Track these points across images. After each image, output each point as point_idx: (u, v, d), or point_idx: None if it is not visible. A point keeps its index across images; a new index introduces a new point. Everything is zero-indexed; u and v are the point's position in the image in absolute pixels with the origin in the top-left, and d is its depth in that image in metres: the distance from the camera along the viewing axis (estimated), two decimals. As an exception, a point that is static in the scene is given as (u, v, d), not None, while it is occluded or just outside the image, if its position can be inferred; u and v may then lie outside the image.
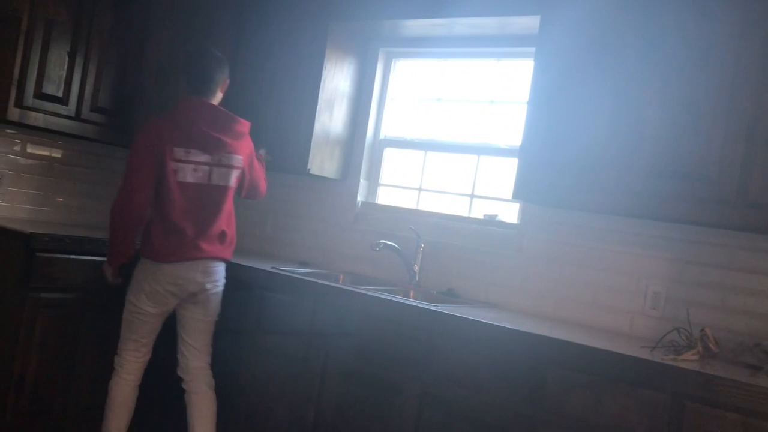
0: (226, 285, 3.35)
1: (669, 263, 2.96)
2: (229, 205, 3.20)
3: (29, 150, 3.92)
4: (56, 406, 3.42)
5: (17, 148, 3.86)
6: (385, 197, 3.99)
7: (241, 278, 3.38)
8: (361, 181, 3.97)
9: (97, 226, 4.17)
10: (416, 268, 3.54)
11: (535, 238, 3.29)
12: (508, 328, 2.65)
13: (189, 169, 3.00)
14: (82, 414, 3.38)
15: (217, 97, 3.20)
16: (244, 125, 3.19)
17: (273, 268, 3.45)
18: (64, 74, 3.62)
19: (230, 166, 3.12)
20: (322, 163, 3.85)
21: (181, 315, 3.18)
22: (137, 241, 3.11)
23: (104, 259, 3.27)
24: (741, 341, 2.70)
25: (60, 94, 3.62)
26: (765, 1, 2.52)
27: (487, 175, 3.65)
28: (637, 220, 2.98)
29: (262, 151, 3.64)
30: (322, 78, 3.77)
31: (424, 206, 3.82)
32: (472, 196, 3.68)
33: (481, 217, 3.57)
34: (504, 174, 3.54)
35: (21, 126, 3.69)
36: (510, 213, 3.50)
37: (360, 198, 3.97)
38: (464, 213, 3.67)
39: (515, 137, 3.41)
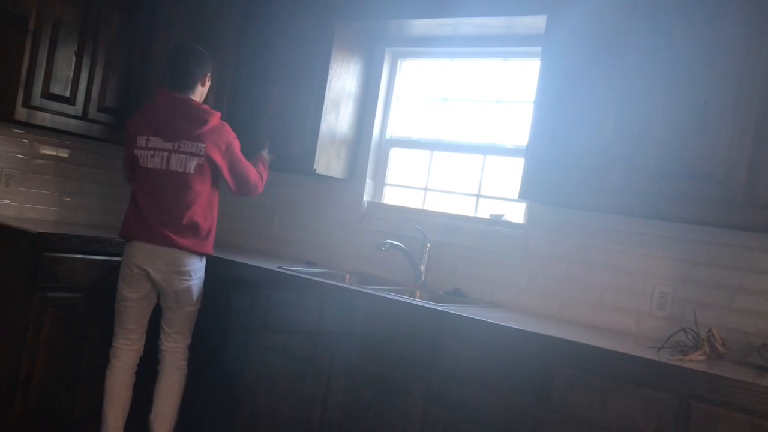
0: (231, 284, 3.37)
1: (676, 263, 2.95)
2: (199, 195, 3.18)
3: (36, 150, 3.93)
4: (63, 405, 3.43)
5: (25, 147, 3.88)
6: (391, 197, 3.99)
7: (247, 277, 3.39)
8: (368, 180, 3.97)
9: (104, 225, 4.19)
10: (422, 267, 3.54)
11: (542, 238, 3.29)
12: (514, 328, 2.65)
13: (148, 155, 3.17)
14: (89, 413, 3.40)
15: (197, 91, 3.27)
16: (211, 114, 3.20)
17: (279, 267, 3.45)
18: (71, 74, 3.64)
19: (189, 153, 3.14)
20: (329, 162, 3.85)
21: (160, 301, 3.28)
22: None
23: (109, 258, 3.46)
24: (748, 342, 2.69)
25: (67, 94, 3.64)
26: (773, 1, 2.51)
27: (493, 174, 3.64)
28: (644, 220, 2.97)
29: (264, 152, 3.63)
30: (329, 78, 3.77)
31: (430, 206, 3.82)
32: (479, 195, 3.67)
33: (488, 217, 3.57)
34: (510, 174, 3.54)
35: (28, 126, 3.71)
36: (516, 213, 3.50)
37: (366, 198, 3.97)
38: (470, 213, 3.67)
39: (521, 137, 3.41)
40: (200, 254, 3.23)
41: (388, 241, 3.53)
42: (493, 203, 3.62)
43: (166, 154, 3.16)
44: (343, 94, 3.88)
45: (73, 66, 3.63)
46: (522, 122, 3.48)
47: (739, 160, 2.51)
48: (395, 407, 2.85)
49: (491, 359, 2.64)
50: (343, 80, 3.87)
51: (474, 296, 3.40)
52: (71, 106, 3.67)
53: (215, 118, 3.21)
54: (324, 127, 3.78)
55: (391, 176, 4.00)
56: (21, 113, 3.49)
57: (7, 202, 3.83)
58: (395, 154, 4.01)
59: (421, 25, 3.67)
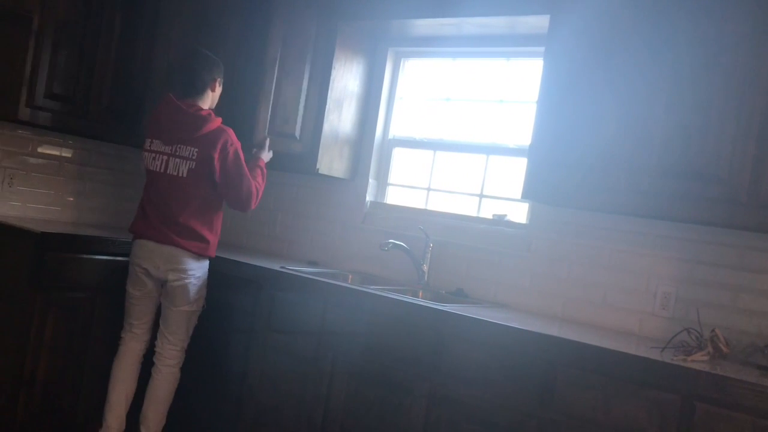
0: (234, 284, 3.37)
1: (679, 263, 2.95)
2: (193, 199, 3.18)
3: (40, 149, 3.94)
4: (66, 405, 3.44)
5: (28, 147, 3.89)
6: (394, 197, 3.99)
7: (250, 277, 3.39)
8: (370, 180, 3.97)
9: (107, 225, 4.20)
10: (425, 267, 3.54)
11: (545, 238, 3.29)
12: (517, 328, 2.65)
13: (151, 157, 3.24)
14: (93, 413, 3.40)
15: (205, 97, 3.27)
16: (208, 120, 3.18)
17: (282, 267, 3.45)
18: (74, 74, 3.64)
19: (183, 157, 3.16)
20: (331, 162, 3.85)
21: (161, 299, 3.29)
22: None
23: (113, 258, 3.48)
24: (751, 342, 2.69)
25: (70, 94, 3.64)
26: (776, 1, 2.51)
27: (496, 174, 3.64)
28: (647, 220, 2.97)
29: (263, 154, 3.53)
30: (331, 78, 3.77)
31: (433, 206, 3.82)
32: (481, 195, 3.67)
33: (490, 216, 3.57)
34: (513, 174, 3.53)
35: (31, 125, 3.72)
36: (519, 213, 3.50)
37: (369, 198, 3.97)
38: (473, 213, 3.67)
39: (524, 137, 3.40)
40: (197, 255, 3.23)
41: (390, 241, 3.53)
42: (496, 203, 3.62)
43: (165, 157, 3.19)
44: (345, 94, 3.88)
45: (75, 66, 3.64)
46: (525, 122, 3.48)
47: (743, 159, 2.51)
48: (398, 407, 2.85)
49: (494, 359, 2.64)
50: (346, 80, 3.87)
51: (477, 296, 3.40)
52: (74, 106, 3.67)
53: (213, 124, 3.19)
54: (327, 127, 3.78)
55: (393, 176, 4.00)
56: (24, 113, 3.50)
57: (11, 201, 3.84)
58: (398, 154, 4.01)
59: (424, 25, 3.66)
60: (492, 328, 2.68)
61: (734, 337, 2.69)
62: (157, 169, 3.20)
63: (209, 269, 3.34)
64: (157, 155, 3.21)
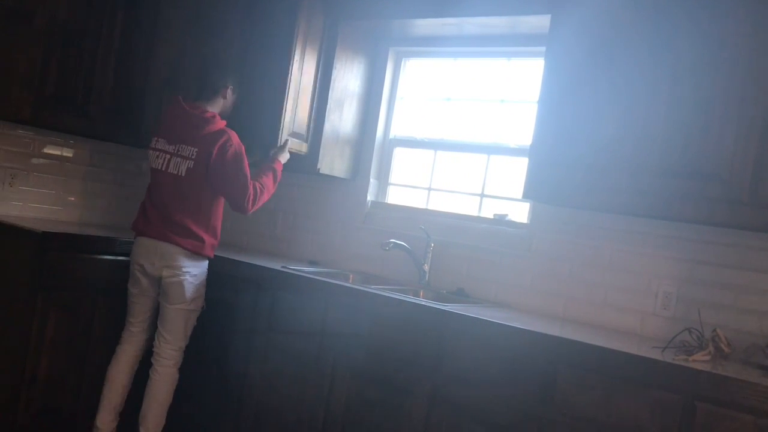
0: (234, 283, 3.37)
1: (680, 263, 2.94)
2: (191, 199, 3.20)
3: (41, 149, 3.94)
4: (67, 404, 3.44)
5: (29, 147, 3.89)
6: (395, 197, 3.99)
7: (250, 277, 3.39)
8: (371, 180, 3.97)
9: (108, 225, 4.20)
10: (426, 267, 3.54)
11: (546, 238, 3.28)
12: (518, 328, 2.65)
13: (154, 155, 3.27)
14: (93, 412, 3.39)
15: (215, 102, 3.32)
16: (211, 121, 3.21)
17: (283, 267, 3.45)
18: (76, 74, 3.64)
19: (183, 157, 3.19)
20: (332, 162, 3.85)
21: (159, 298, 3.31)
22: None
23: (114, 257, 3.50)
24: (753, 342, 2.69)
25: (71, 93, 3.64)
26: (778, 0, 2.50)
27: (497, 174, 3.64)
28: (648, 219, 2.97)
29: (281, 156, 3.52)
30: (332, 77, 3.77)
31: (434, 206, 3.82)
32: (482, 195, 3.67)
33: (491, 216, 3.57)
34: (514, 173, 3.53)
35: (33, 125, 3.72)
36: (520, 212, 3.50)
37: (370, 197, 3.97)
38: (474, 212, 3.67)
39: (525, 137, 3.40)
40: (193, 253, 3.23)
41: (391, 240, 3.53)
42: (497, 203, 3.62)
43: (168, 156, 3.22)
44: (346, 94, 3.88)
45: (77, 66, 3.64)
46: (526, 122, 3.48)
47: (744, 159, 2.51)
48: (399, 407, 2.85)
49: (495, 359, 2.64)
50: (347, 80, 3.87)
51: (478, 296, 3.40)
52: (75, 106, 3.67)
53: (215, 125, 3.22)
54: (328, 126, 3.78)
55: (394, 176, 4.01)
56: (25, 112, 3.50)
57: (12, 201, 3.84)
58: (399, 154, 4.01)
59: (425, 25, 3.67)
60: (493, 328, 2.68)
61: (735, 337, 2.69)
62: (160, 168, 3.23)
63: (209, 270, 3.34)
64: (161, 154, 3.24)
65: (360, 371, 2.98)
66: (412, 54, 4.00)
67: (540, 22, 3.20)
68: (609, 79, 2.81)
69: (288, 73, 3.61)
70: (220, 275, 3.40)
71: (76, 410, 3.46)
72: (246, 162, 3.24)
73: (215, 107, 3.31)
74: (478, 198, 3.68)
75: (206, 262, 3.32)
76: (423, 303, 2.94)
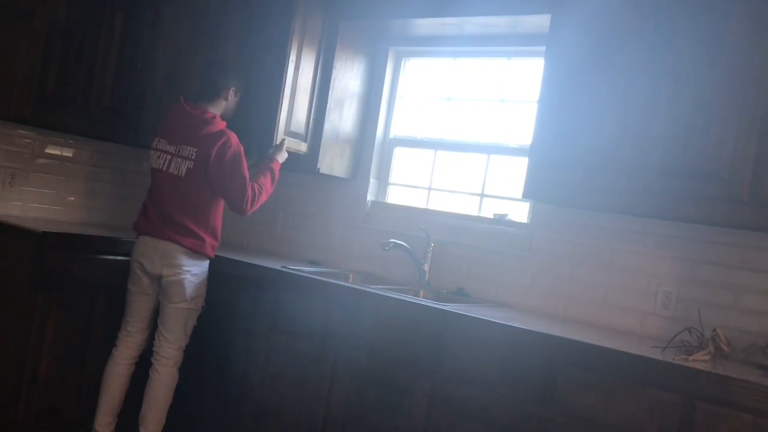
0: (235, 283, 3.37)
1: (680, 263, 2.94)
2: (190, 199, 3.21)
3: (41, 149, 3.94)
4: (67, 404, 3.44)
5: (29, 147, 3.88)
6: (395, 197, 3.99)
7: (250, 277, 3.39)
8: (371, 180, 3.97)
9: (108, 225, 4.20)
10: (426, 267, 3.54)
11: (546, 238, 3.28)
12: (518, 327, 2.65)
13: (155, 156, 3.28)
14: (92, 412, 3.39)
15: (217, 103, 3.33)
16: (211, 122, 3.22)
17: (283, 267, 3.45)
18: (76, 74, 3.64)
19: (183, 157, 3.20)
20: (332, 162, 3.85)
21: (159, 298, 3.31)
22: None
23: (114, 257, 3.48)
24: (753, 341, 2.69)
25: (71, 93, 3.64)
26: (778, 0, 2.50)
27: (497, 174, 3.64)
28: (648, 219, 2.96)
29: (278, 155, 3.51)
30: (332, 77, 3.77)
31: (434, 206, 3.82)
32: (482, 195, 3.67)
33: (491, 216, 3.57)
34: (514, 173, 3.53)
35: (33, 125, 3.72)
36: (520, 212, 3.49)
37: (370, 197, 3.97)
38: (474, 212, 3.66)
39: (525, 136, 3.40)
40: (192, 252, 3.23)
41: (391, 240, 3.53)
42: (497, 203, 3.62)
43: (169, 156, 3.23)
44: (346, 94, 3.88)
45: (77, 66, 3.64)
46: (526, 121, 3.48)
47: (744, 159, 2.51)
48: (399, 407, 2.85)
49: (495, 359, 2.64)
50: (347, 80, 3.87)
51: (478, 296, 3.40)
52: (75, 106, 3.67)
53: (215, 126, 3.22)
54: (327, 126, 3.78)
55: (394, 176, 4.00)
56: (25, 112, 3.50)
57: (12, 201, 3.84)
58: (399, 154, 4.01)
59: (425, 25, 3.66)
60: (493, 328, 2.68)
61: (735, 337, 2.69)
62: (160, 168, 3.24)
63: (210, 270, 3.34)
64: (162, 154, 3.25)
65: (360, 371, 2.98)
66: (412, 54, 4.00)
67: (540, 21, 3.20)
68: (609, 79, 2.81)
69: (284, 73, 3.60)
70: (220, 275, 3.40)
71: (76, 410, 3.46)
72: (245, 163, 3.24)
73: (217, 108, 3.32)
74: (478, 198, 3.68)
75: (207, 262, 3.32)
76: (423, 303, 2.94)
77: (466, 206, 3.70)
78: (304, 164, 3.80)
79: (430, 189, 3.87)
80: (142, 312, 3.33)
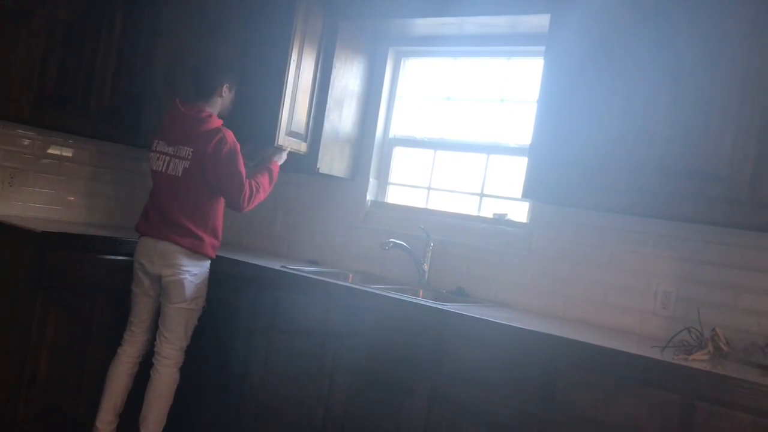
0: (234, 283, 3.37)
1: (679, 262, 2.94)
2: (188, 198, 3.21)
3: (41, 149, 3.94)
4: (67, 404, 3.44)
5: (29, 147, 3.88)
6: (394, 196, 3.99)
7: (250, 277, 3.39)
8: (371, 180, 3.97)
9: (108, 225, 4.20)
10: (426, 267, 3.54)
11: (545, 237, 3.29)
12: (518, 327, 2.65)
13: (155, 158, 3.30)
14: (92, 412, 3.39)
15: (212, 102, 3.32)
16: (207, 121, 3.22)
17: (283, 266, 3.45)
18: (75, 74, 3.64)
19: (180, 157, 3.21)
20: (332, 162, 3.85)
21: (160, 299, 3.32)
22: None
23: (114, 258, 3.49)
24: (752, 341, 2.69)
25: (71, 93, 3.64)
26: (777, -1, 2.50)
27: (496, 174, 3.64)
28: (647, 219, 2.97)
29: (277, 157, 3.53)
30: (332, 77, 3.77)
31: (433, 205, 3.82)
32: (482, 195, 3.67)
33: (491, 216, 3.57)
34: (514, 173, 3.53)
35: (33, 125, 3.72)
36: (520, 212, 3.50)
37: (369, 197, 3.97)
38: (474, 212, 3.67)
39: (525, 136, 3.40)
40: (192, 252, 3.23)
41: (391, 240, 3.53)
42: (497, 202, 3.62)
43: (167, 158, 3.24)
44: (346, 94, 3.88)
45: (76, 66, 3.64)
46: (525, 121, 3.48)
47: (743, 158, 2.51)
48: (398, 406, 2.85)
49: (495, 359, 2.64)
50: (347, 79, 3.87)
51: (477, 295, 3.40)
52: (75, 106, 3.67)
53: (210, 124, 3.23)
54: (327, 126, 3.78)
55: (394, 175, 4.01)
56: (25, 112, 3.49)
57: (12, 201, 3.84)
58: (398, 154, 4.01)
59: (425, 24, 3.66)
60: (492, 328, 2.68)
61: (735, 336, 2.69)
62: (159, 169, 3.26)
63: (210, 270, 3.34)
64: (161, 156, 3.26)
65: (360, 371, 2.99)
66: (412, 53, 4.00)
67: (540, 21, 3.20)
68: (609, 79, 2.81)
69: (285, 73, 3.60)
70: (220, 275, 3.40)
71: (76, 410, 3.46)
72: (241, 160, 3.24)
73: (213, 107, 3.32)
74: (478, 197, 3.68)
75: (207, 262, 3.32)
76: (423, 302, 2.94)
77: (466, 206, 3.70)
78: (303, 164, 3.80)
79: (429, 189, 3.87)
80: (145, 312, 3.34)
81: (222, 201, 3.30)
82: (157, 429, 3.25)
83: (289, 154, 3.66)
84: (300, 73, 3.69)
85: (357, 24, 3.81)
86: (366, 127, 4.00)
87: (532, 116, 3.05)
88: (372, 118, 3.99)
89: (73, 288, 3.40)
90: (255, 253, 4.02)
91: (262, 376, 3.31)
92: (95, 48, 3.70)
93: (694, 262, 2.91)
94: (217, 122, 3.26)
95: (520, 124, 3.55)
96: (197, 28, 3.94)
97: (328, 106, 3.77)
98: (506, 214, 3.52)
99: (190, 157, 3.18)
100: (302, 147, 3.77)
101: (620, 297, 3.06)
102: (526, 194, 3.00)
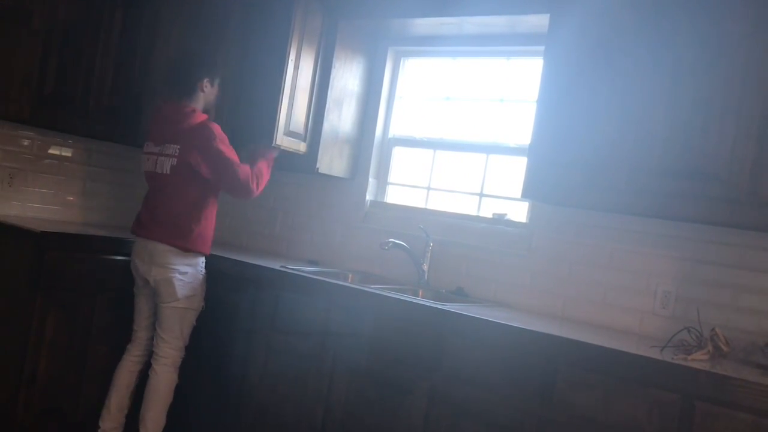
0: (233, 283, 3.37)
1: (679, 262, 2.95)
2: (177, 195, 3.21)
3: (40, 149, 3.94)
4: (67, 404, 3.44)
5: (28, 147, 3.89)
6: (394, 196, 3.99)
7: (249, 277, 3.39)
8: (370, 180, 3.97)
9: (107, 225, 4.20)
10: (425, 267, 3.54)
11: (545, 237, 3.29)
12: (517, 327, 2.65)
13: (144, 158, 3.32)
14: (93, 412, 3.40)
15: (196, 97, 3.28)
16: (190, 116, 3.22)
17: (282, 266, 3.45)
18: (75, 74, 3.64)
19: (167, 155, 3.21)
20: (331, 162, 3.85)
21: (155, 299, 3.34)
22: None
23: (113, 258, 3.51)
24: (752, 341, 2.69)
25: (70, 93, 3.64)
26: (776, -1, 2.50)
27: (496, 174, 3.64)
28: (647, 219, 2.97)
29: (272, 149, 3.58)
30: (331, 77, 3.77)
31: (433, 205, 3.82)
32: (481, 195, 3.67)
33: (490, 216, 3.57)
34: (513, 173, 3.53)
35: (32, 125, 3.72)
36: (519, 212, 3.50)
37: (369, 197, 3.97)
38: (473, 212, 3.67)
39: (524, 136, 3.40)
40: (181, 251, 3.22)
41: (390, 240, 3.53)
42: (496, 202, 3.62)
43: (155, 157, 3.25)
44: (345, 93, 3.88)
45: (76, 65, 3.64)
46: (525, 121, 3.48)
47: (743, 159, 2.51)
48: (398, 406, 2.85)
49: (494, 358, 2.64)
50: (346, 79, 3.87)
51: (477, 295, 3.40)
52: (74, 106, 3.67)
53: (194, 119, 3.22)
54: (326, 126, 3.78)
55: (393, 175, 4.01)
56: (25, 112, 3.49)
57: (11, 201, 3.84)
58: (398, 153, 4.01)
59: (424, 24, 3.66)
60: (492, 327, 2.68)
61: (734, 336, 2.69)
62: (149, 170, 3.27)
63: (208, 270, 3.34)
64: (149, 156, 3.27)
65: (359, 370, 2.99)
66: (412, 53, 4.00)
67: (539, 21, 3.20)
68: (608, 79, 2.81)
69: (284, 73, 3.59)
70: (219, 275, 3.40)
71: (75, 410, 3.46)
72: (232, 149, 3.23)
73: (197, 102, 3.28)
74: (477, 197, 3.68)
75: (200, 261, 3.30)
76: (422, 302, 2.94)
77: (465, 206, 3.70)
78: (303, 164, 3.80)
79: (429, 189, 3.87)
80: (144, 312, 3.36)
81: (213, 197, 3.29)
82: (156, 429, 3.25)
83: (289, 154, 3.66)
84: (299, 73, 3.69)
85: (356, 23, 3.81)
86: (365, 127, 4.00)
87: (531, 116, 3.05)
88: (371, 118, 3.99)
89: (72, 288, 3.40)
90: (254, 253, 4.01)
91: (261, 376, 3.31)
92: (94, 48, 3.70)
93: (693, 262, 2.91)
94: (201, 117, 3.25)
95: (520, 124, 3.55)
96: (196, 27, 3.94)
97: (327, 105, 3.77)
98: (506, 214, 3.52)
99: (176, 154, 3.18)
100: (301, 147, 3.77)
101: (620, 297, 3.06)
102: (526, 194, 3.00)
